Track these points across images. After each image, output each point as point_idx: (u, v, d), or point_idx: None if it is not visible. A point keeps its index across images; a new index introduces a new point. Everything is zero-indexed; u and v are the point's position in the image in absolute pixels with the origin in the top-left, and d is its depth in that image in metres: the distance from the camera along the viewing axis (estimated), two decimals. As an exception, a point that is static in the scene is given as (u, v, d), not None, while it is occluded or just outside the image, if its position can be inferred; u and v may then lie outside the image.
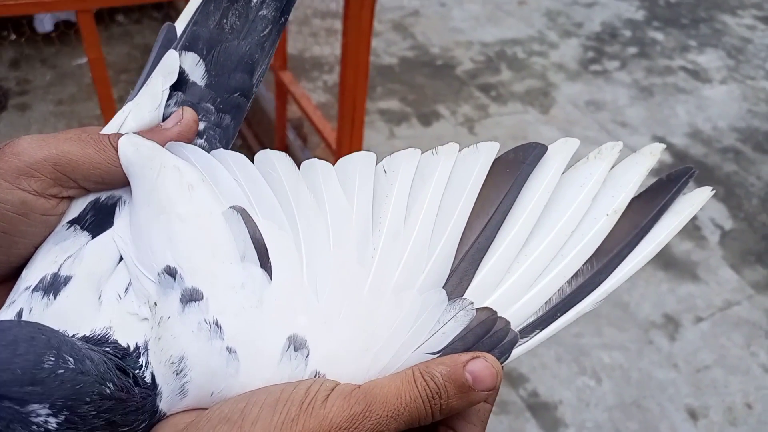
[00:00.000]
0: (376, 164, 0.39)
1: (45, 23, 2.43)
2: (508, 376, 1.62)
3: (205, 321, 0.33)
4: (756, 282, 1.94)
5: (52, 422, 0.27)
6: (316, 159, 0.39)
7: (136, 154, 0.37)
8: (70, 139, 0.37)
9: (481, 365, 0.33)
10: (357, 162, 0.39)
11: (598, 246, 0.38)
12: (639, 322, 1.79)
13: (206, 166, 0.38)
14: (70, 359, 0.28)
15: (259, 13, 0.43)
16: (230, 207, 0.36)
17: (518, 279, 0.37)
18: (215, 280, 0.34)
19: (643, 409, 1.59)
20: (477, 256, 0.37)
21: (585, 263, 0.38)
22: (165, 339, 0.33)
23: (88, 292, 0.34)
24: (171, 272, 0.34)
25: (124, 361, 0.32)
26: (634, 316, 1.80)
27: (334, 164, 0.39)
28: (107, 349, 0.32)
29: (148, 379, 0.32)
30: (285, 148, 2.01)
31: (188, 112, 0.40)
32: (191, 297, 0.33)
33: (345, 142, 1.47)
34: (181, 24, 0.44)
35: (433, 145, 0.40)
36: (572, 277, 0.37)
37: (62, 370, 0.28)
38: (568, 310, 0.37)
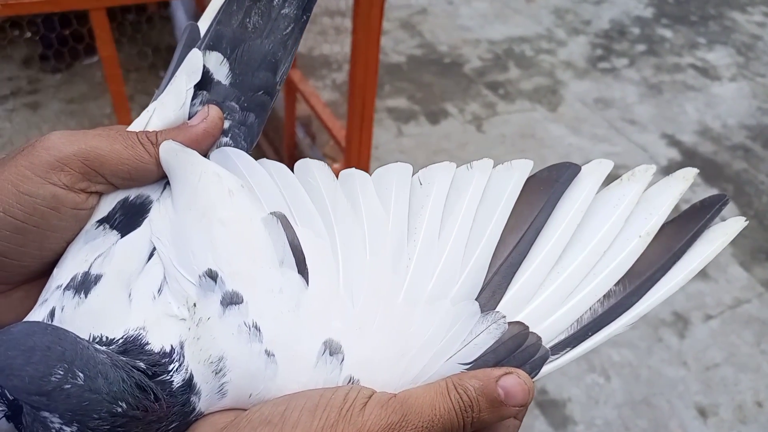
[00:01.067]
0: (412, 175, 0.40)
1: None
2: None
3: (245, 324, 0.33)
4: (766, 280, 1.93)
5: (67, 430, 0.28)
6: (354, 169, 0.40)
7: (176, 160, 0.38)
8: (98, 135, 0.37)
9: (513, 381, 0.34)
10: (393, 172, 0.40)
11: (630, 267, 0.38)
12: (648, 319, 1.79)
13: (251, 172, 0.39)
14: (81, 375, 0.28)
15: (282, 11, 0.44)
16: (270, 213, 0.37)
17: (550, 295, 0.37)
18: (255, 284, 0.35)
19: (653, 406, 1.58)
20: (510, 270, 0.37)
21: (617, 284, 0.38)
22: (204, 339, 0.33)
23: (118, 290, 0.35)
24: (212, 275, 0.35)
25: (155, 367, 0.32)
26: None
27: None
28: (139, 363, 0.32)
29: (178, 382, 0.32)
30: (294, 145, 2.02)
31: (214, 110, 0.41)
32: (232, 300, 0.34)
33: (354, 140, 1.48)
34: (204, 23, 0.44)
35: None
36: (604, 297, 0.38)
37: (69, 386, 0.28)
38: (600, 330, 0.37)
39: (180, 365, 0.33)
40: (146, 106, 0.42)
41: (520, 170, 0.40)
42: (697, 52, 3.14)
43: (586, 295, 0.37)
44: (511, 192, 0.39)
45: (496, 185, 0.39)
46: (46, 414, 0.28)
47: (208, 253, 0.35)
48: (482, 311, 0.36)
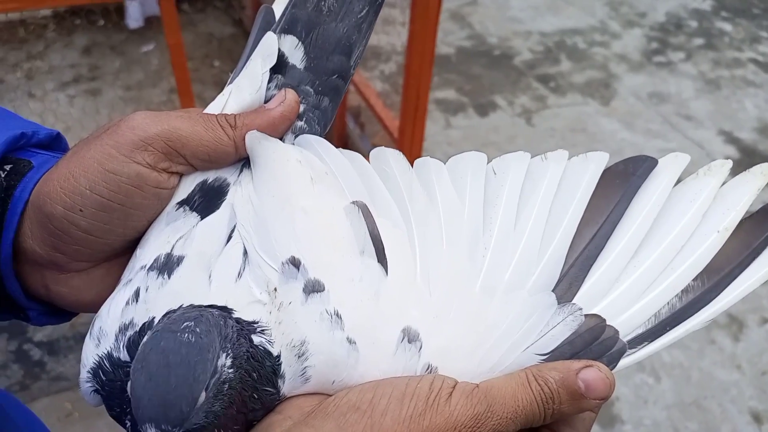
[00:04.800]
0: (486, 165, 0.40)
1: (132, 20, 2.54)
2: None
3: (327, 312, 0.34)
4: (828, 284, 1.86)
5: (228, 363, 0.31)
6: (429, 157, 0.40)
7: (260, 147, 0.39)
8: (180, 117, 0.38)
9: (594, 374, 0.33)
10: (468, 162, 0.40)
11: (708, 262, 0.38)
12: (701, 320, 1.74)
13: (332, 159, 0.40)
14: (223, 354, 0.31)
15: None
16: (352, 202, 0.38)
17: (627, 289, 0.37)
18: (336, 273, 0.35)
19: (704, 409, 1.55)
20: (586, 263, 0.37)
21: (695, 279, 0.37)
22: (286, 323, 0.34)
23: (199, 272, 0.36)
24: (295, 263, 0.35)
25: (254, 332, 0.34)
26: (696, 315, 1.75)
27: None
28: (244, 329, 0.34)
29: (276, 352, 0.33)
30: (344, 135, 2.03)
31: (291, 94, 0.41)
32: (314, 288, 0.34)
33: (407, 131, 1.48)
34: (278, 6, 0.44)
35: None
36: (682, 292, 0.37)
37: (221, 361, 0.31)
38: (678, 325, 0.37)
39: (272, 340, 0.34)
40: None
41: (595, 162, 0.40)
42: (759, 46, 3.03)
43: (663, 289, 0.37)
44: (587, 184, 0.39)
45: (572, 177, 0.39)
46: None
47: (290, 240, 0.36)
48: (559, 303, 0.36)
